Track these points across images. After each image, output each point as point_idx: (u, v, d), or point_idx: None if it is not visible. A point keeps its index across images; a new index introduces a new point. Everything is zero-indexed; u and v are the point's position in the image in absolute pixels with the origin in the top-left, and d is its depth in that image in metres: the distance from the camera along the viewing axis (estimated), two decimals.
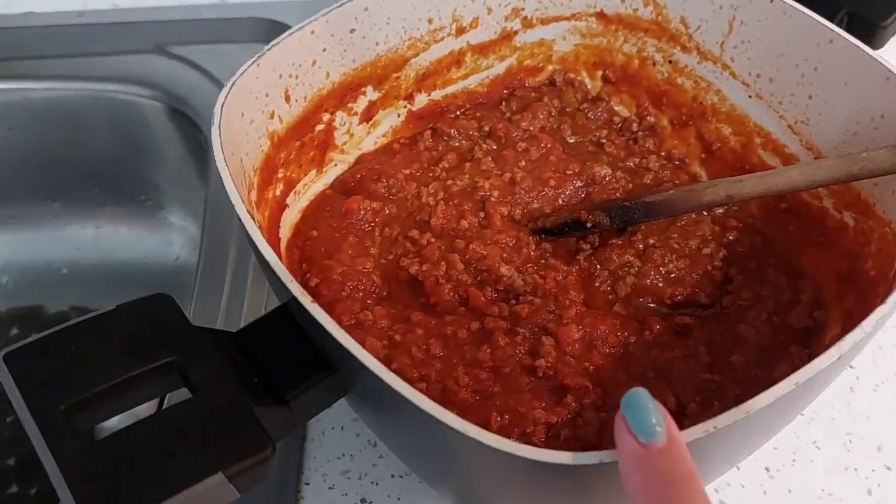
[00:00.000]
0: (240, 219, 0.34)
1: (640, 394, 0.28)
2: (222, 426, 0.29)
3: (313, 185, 0.49)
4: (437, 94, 0.53)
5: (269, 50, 0.42)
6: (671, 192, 0.45)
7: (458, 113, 0.54)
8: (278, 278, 0.32)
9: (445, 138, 0.52)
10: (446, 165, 0.51)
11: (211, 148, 0.65)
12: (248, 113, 0.42)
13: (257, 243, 0.33)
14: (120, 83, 0.70)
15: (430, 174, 0.50)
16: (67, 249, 0.80)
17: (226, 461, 0.28)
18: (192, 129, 0.69)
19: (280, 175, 0.46)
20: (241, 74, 0.41)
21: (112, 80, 0.71)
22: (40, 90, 0.72)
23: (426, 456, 0.36)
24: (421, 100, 0.52)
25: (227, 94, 0.39)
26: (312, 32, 0.44)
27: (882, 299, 0.33)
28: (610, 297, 0.44)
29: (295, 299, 0.32)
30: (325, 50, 0.45)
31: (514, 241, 0.46)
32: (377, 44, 0.48)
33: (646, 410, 0.27)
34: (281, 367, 0.33)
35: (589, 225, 0.45)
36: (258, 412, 0.30)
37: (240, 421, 0.29)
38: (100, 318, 0.31)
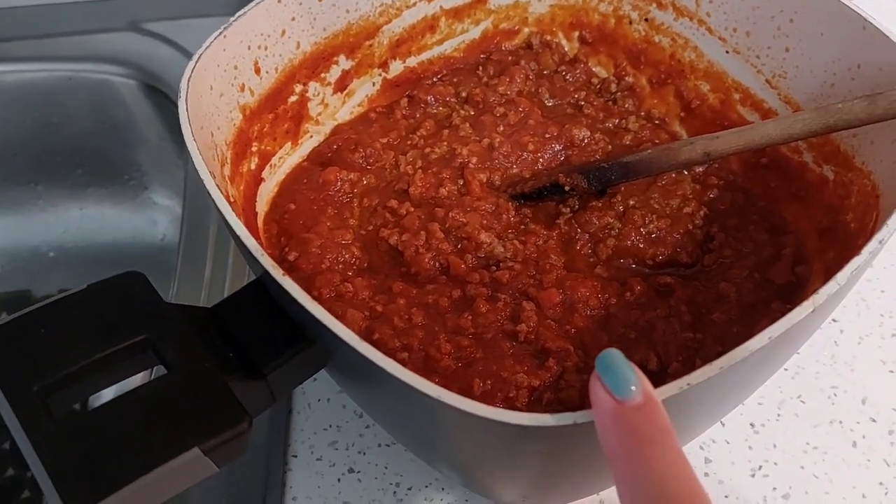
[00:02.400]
0: (209, 192, 0.34)
1: (614, 353, 0.28)
2: (197, 401, 0.29)
3: (289, 158, 0.48)
4: (413, 61, 0.52)
5: (235, 21, 0.41)
6: (648, 151, 0.45)
7: (434, 79, 0.53)
8: (250, 252, 0.32)
9: (423, 105, 0.52)
10: (424, 133, 0.50)
11: None
12: (217, 86, 0.41)
13: (227, 218, 0.33)
14: (94, 62, 0.70)
15: (408, 143, 0.50)
16: (53, 232, 0.80)
17: (201, 436, 0.28)
18: (168, 106, 0.68)
19: (254, 149, 0.45)
20: (208, 47, 0.40)
21: (86, 60, 0.70)
22: (14, 72, 0.71)
23: (408, 424, 0.36)
24: (396, 67, 0.52)
25: (194, 67, 0.39)
26: (280, 1, 0.43)
27: (858, 251, 0.33)
28: (591, 259, 0.44)
29: (267, 273, 0.32)
30: (293, 19, 0.45)
31: (493, 208, 0.46)
32: (347, 11, 0.47)
33: (621, 368, 0.27)
34: (256, 341, 0.33)
35: (567, 188, 0.45)
36: (234, 387, 0.30)
37: (215, 396, 0.29)
38: (70, 299, 0.31)
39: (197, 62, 0.39)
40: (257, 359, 0.32)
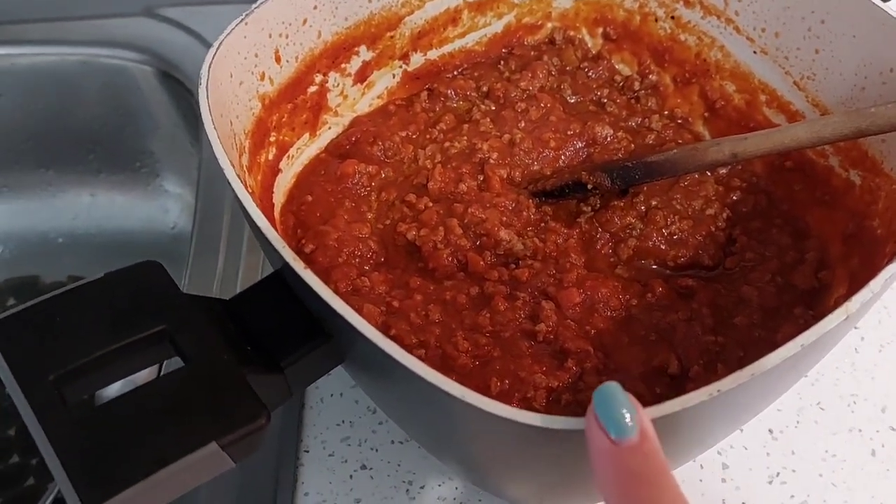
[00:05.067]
0: (229, 182, 0.33)
1: (612, 388, 0.27)
2: (215, 395, 0.28)
3: (307, 149, 0.48)
4: (434, 54, 0.51)
5: (257, 8, 0.41)
6: (674, 151, 0.44)
7: (455, 73, 0.53)
8: (270, 244, 0.31)
9: (442, 99, 0.51)
10: (444, 127, 0.49)
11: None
12: (236, 74, 0.41)
13: (248, 208, 0.32)
14: (109, 47, 0.69)
15: (428, 136, 0.49)
16: (63, 218, 0.80)
17: (219, 431, 0.27)
18: (183, 93, 0.67)
19: (272, 138, 0.45)
20: (229, 34, 0.39)
21: (101, 45, 0.70)
22: (27, 55, 0.70)
23: (424, 422, 0.35)
24: (417, 60, 0.51)
25: (215, 54, 0.38)
26: None
27: (889, 258, 0.32)
28: (612, 259, 0.44)
29: (288, 266, 0.31)
30: (315, 7, 0.44)
31: (513, 205, 0.45)
32: (370, 1, 0.46)
33: (617, 405, 0.26)
34: (275, 334, 0.32)
35: (590, 186, 0.44)
36: (252, 380, 0.29)
37: (233, 390, 0.29)
38: (87, 287, 0.30)
39: (218, 49, 0.38)
40: (275, 352, 0.32)
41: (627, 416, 0.26)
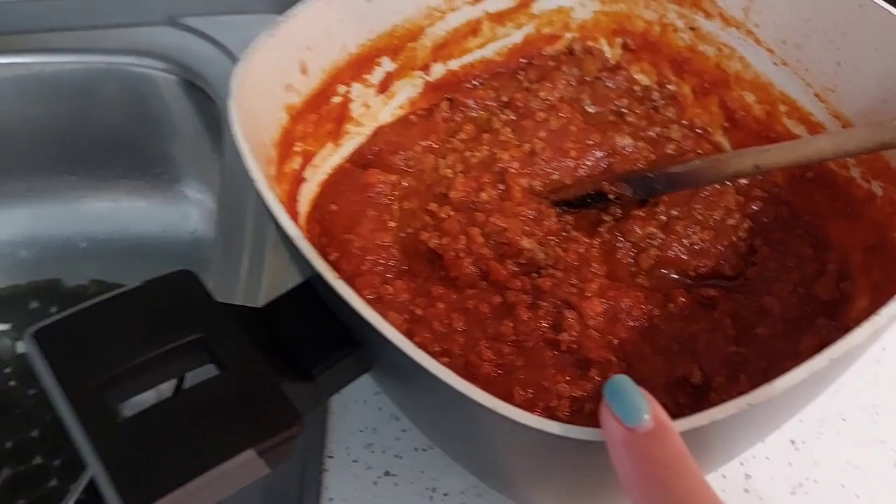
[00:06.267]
0: (261, 194, 0.34)
1: (623, 379, 0.27)
2: (251, 402, 0.29)
3: (330, 159, 0.48)
4: (454, 64, 0.52)
5: (284, 21, 0.41)
6: (696, 162, 0.44)
7: (475, 83, 0.53)
8: (301, 254, 0.32)
9: (463, 109, 0.52)
10: (464, 137, 0.50)
11: (225, 121, 0.65)
12: (264, 86, 0.41)
13: (280, 219, 0.33)
14: (133, 55, 0.70)
15: (448, 146, 0.50)
16: (85, 223, 0.81)
17: (256, 438, 0.28)
18: (205, 101, 0.68)
19: (297, 148, 0.45)
20: (257, 46, 0.40)
21: (125, 53, 0.70)
22: (54, 63, 0.71)
23: (449, 429, 0.36)
24: (437, 70, 0.52)
25: (243, 66, 0.39)
26: (328, 2, 0.43)
27: None
28: (633, 269, 0.44)
29: (319, 275, 0.32)
30: (341, 21, 0.45)
31: (534, 214, 0.45)
32: (393, 13, 0.47)
33: (630, 395, 0.27)
34: (306, 342, 0.33)
35: (612, 196, 0.45)
36: (285, 388, 0.30)
37: (268, 397, 0.29)
38: (125, 295, 0.31)
39: (246, 62, 0.39)
40: (306, 360, 0.32)
41: (640, 403, 0.26)
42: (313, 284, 0.34)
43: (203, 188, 0.78)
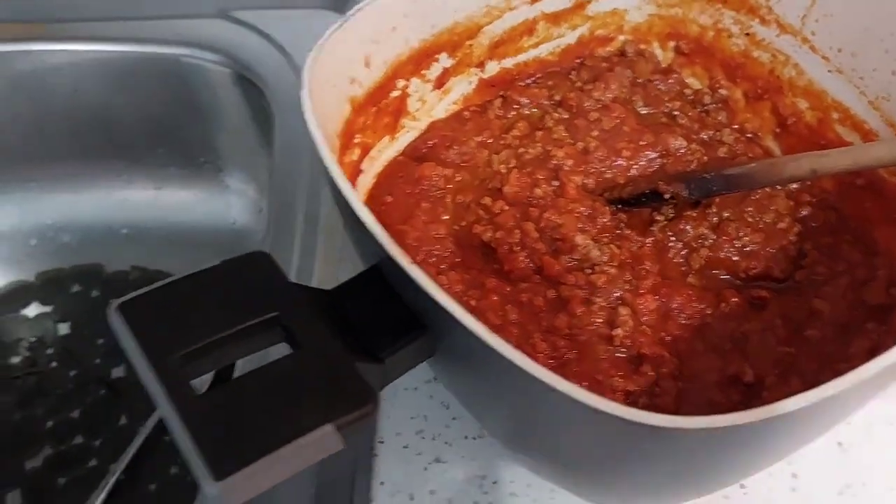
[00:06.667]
0: (335, 181, 0.35)
1: None
2: (328, 380, 0.30)
3: (386, 151, 0.49)
4: (509, 62, 0.53)
5: (353, 14, 0.42)
6: (752, 164, 0.45)
7: (528, 81, 0.54)
8: (375, 240, 0.33)
9: (516, 106, 0.53)
10: (517, 133, 0.51)
11: (274, 113, 0.66)
12: (331, 78, 0.42)
13: (354, 206, 0.34)
14: (185, 47, 0.71)
15: (502, 142, 0.51)
16: (128, 210, 0.82)
17: (334, 413, 0.28)
18: (255, 94, 0.69)
19: (357, 140, 0.46)
20: (326, 39, 0.41)
21: (177, 44, 0.72)
22: (105, 52, 0.73)
23: (511, 417, 0.36)
24: (492, 67, 0.53)
25: (314, 58, 0.40)
26: None
27: None
28: (683, 268, 0.45)
29: (390, 259, 0.32)
30: (405, 16, 0.46)
31: (588, 211, 0.46)
32: (455, 10, 0.48)
33: None
34: (375, 325, 0.33)
35: (667, 196, 0.45)
36: (358, 368, 0.31)
37: (344, 375, 0.30)
38: (205, 273, 0.32)
39: (317, 53, 0.40)
40: (375, 343, 0.33)
41: None
42: (381, 270, 0.35)
43: (246, 179, 0.80)
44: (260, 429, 0.28)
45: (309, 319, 0.32)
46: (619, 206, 0.47)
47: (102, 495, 0.64)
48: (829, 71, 0.48)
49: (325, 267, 0.54)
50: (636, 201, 0.46)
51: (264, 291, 0.32)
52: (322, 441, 0.28)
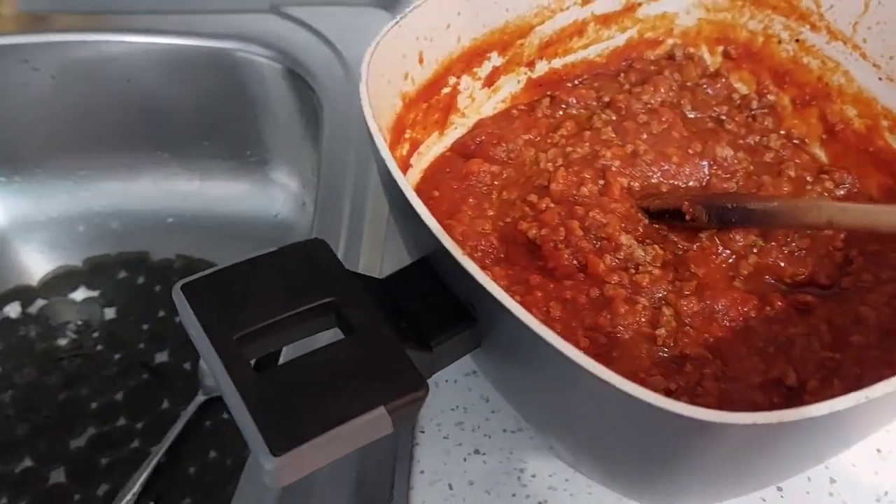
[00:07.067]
0: (392, 174, 0.35)
1: None
2: (380, 364, 0.31)
3: (434, 147, 0.50)
4: (557, 63, 0.54)
5: (410, 12, 0.43)
6: (774, 203, 0.44)
7: (575, 82, 0.55)
8: (428, 231, 0.34)
9: (563, 106, 0.53)
10: (565, 133, 0.51)
11: (323, 108, 0.67)
12: (386, 73, 0.43)
13: (410, 198, 0.34)
14: (236, 41, 0.73)
15: (549, 141, 0.51)
16: (174, 199, 0.84)
17: (386, 396, 0.29)
18: (304, 89, 0.71)
19: (407, 135, 0.47)
20: (385, 34, 0.42)
21: (229, 38, 0.74)
22: (161, 44, 0.75)
23: (556, 409, 0.37)
24: (541, 67, 0.53)
25: (372, 53, 0.41)
26: None
27: None
28: (730, 273, 0.45)
29: (443, 249, 0.33)
30: (459, 14, 0.46)
31: (629, 213, 0.46)
32: (507, 10, 0.49)
33: None
34: (426, 314, 0.34)
35: (687, 218, 0.45)
36: (410, 354, 0.32)
37: (396, 361, 0.31)
38: (264, 258, 0.33)
39: (375, 49, 0.41)
40: (425, 332, 0.34)
41: None
42: (430, 261, 0.36)
43: (290, 173, 0.81)
44: (316, 408, 0.29)
45: (363, 306, 0.33)
46: (649, 217, 0.47)
47: (143, 476, 0.66)
48: (880, 78, 0.48)
49: (370, 258, 0.55)
50: (661, 215, 0.46)
51: (321, 277, 0.33)
52: (375, 423, 0.29)
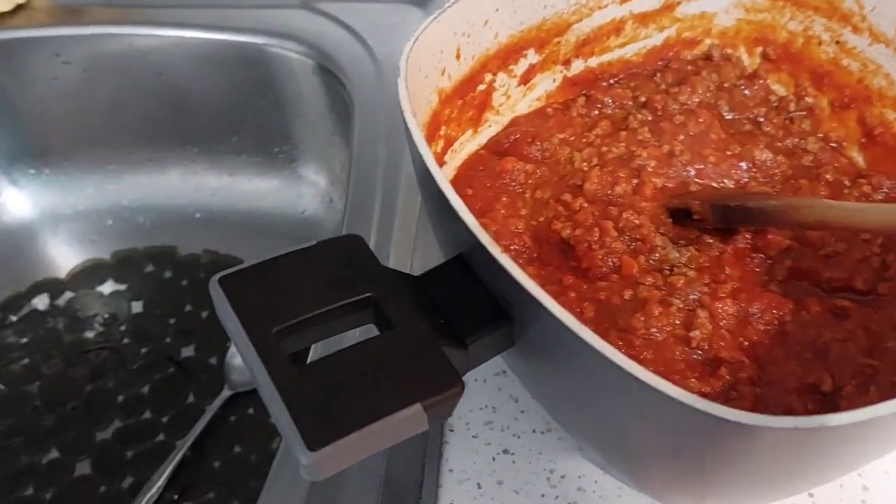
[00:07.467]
0: (430, 171, 0.35)
1: None
2: (417, 361, 0.30)
3: (468, 145, 0.50)
4: (594, 62, 0.53)
5: (449, 7, 0.43)
6: (771, 202, 0.44)
7: (611, 81, 0.54)
8: (466, 228, 0.33)
9: (599, 106, 0.53)
10: (600, 132, 0.51)
11: (354, 104, 0.67)
12: (424, 69, 0.43)
13: (448, 195, 0.34)
14: (268, 36, 0.73)
15: (584, 140, 0.51)
16: (202, 194, 0.84)
17: (423, 393, 0.29)
18: (335, 85, 0.71)
19: (442, 132, 0.47)
20: (423, 31, 0.42)
21: (259, 33, 0.74)
22: (192, 38, 0.75)
23: (590, 410, 0.36)
24: (577, 66, 0.53)
25: (411, 48, 0.41)
26: None
27: None
28: (766, 277, 0.44)
29: (480, 247, 0.33)
30: (497, 10, 0.46)
31: (656, 213, 0.46)
32: (545, 7, 0.48)
33: None
34: (462, 312, 0.34)
35: (695, 217, 0.45)
36: (446, 352, 0.31)
37: (432, 358, 0.31)
38: (302, 252, 0.33)
39: (414, 43, 0.41)
40: (461, 329, 0.34)
41: None
42: (466, 258, 0.36)
43: (318, 170, 0.81)
44: (353, 404, 0.29)
45: (400, 301, 0.32)
46: (672, 216, 0.46)
47: (168, 469, 0.66)
48: None
49: (401, 256, 0.55)
50: (674, 215, 0.46)
51: (359, 272, 0.33)
52: (411, 420, 0.29)
